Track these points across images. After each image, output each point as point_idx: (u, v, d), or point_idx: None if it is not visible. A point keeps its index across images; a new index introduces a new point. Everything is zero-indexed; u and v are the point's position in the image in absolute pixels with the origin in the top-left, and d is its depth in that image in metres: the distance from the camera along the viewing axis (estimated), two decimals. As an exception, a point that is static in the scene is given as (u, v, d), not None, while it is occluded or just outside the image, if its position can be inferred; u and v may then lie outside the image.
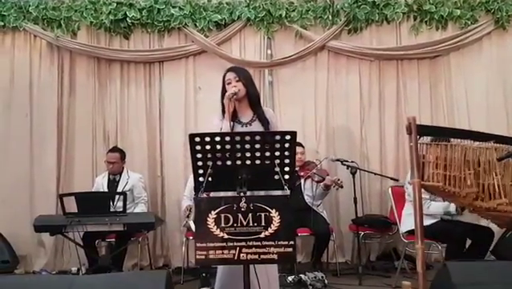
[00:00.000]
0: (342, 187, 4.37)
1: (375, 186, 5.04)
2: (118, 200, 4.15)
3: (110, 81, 5.22)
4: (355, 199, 4.30)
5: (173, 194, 5.11)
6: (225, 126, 2.65)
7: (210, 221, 2.03)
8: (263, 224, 2.02)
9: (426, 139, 2.73)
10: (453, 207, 3.82)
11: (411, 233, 3.92)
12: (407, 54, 5.15)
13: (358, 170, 4.41)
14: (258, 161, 2.09)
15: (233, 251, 2.02)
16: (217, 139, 2.05)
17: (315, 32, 5.13)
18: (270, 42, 5.19)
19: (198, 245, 2.03)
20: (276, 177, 2.08)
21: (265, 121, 2.77)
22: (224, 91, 2.81)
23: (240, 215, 2.03)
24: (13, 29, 5.13)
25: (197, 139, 2.05)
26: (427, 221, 3.72)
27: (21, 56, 5.17)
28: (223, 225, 2.03)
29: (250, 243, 2.02)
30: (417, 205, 2.63)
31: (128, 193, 4.19)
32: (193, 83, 5.22)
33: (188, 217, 4.31)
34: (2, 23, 5.09)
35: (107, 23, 5.04)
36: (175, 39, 5.20)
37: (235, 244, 2.02)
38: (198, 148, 2.06)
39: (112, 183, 4.60)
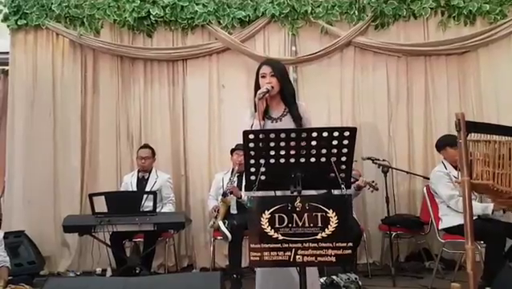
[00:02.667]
0: (377, 189, 4.25)
1: (403, 185, 4.94)
2: (146, 199, 4.09)
3: (133, 80, 5.17)
4: (386, 198, 4.20)
5: (198, 193, 5.05)
6: (256, 125, 2.56)
7: (264, 221, 1.96)
8: (320, 225, 1.94)
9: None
10: (490, 208, 3.70)
11: (448, 232, 3.83)
12: (435, 50, 5.04)
13: (390, 169, 4.29)
14: (312, 159, 2.00)
15: (288, 253, 1.95)
16: (272, 136, 1.96)
17: (341, 28, 5.03)
18: (295, 38, 5.10)
19: (252, 246, 1.95)
20: (332, 175, 2.00)
21: (297, 117, 2.66)
22: (257, 84, 2.71)
23: (295, 215, 1.96)
24: (35, 27, 5.08)
25: (251, 136, 1.97)
26: (463, 220, 3.62)
27: (43, 55, 5.12)
28: (277, 225, 1.96)
29: (307, 245, 1.94)
30: (467, 204, 2.54)
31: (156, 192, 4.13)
32: (217, 81, 5.15)
33: (216, 217, 4.25)
34: (25, 22, 5.04)
35: (131, 21, 4.98)
36: (198, 37, 5.13)
37: (290, 245, 1.95)
38: (251, 145, 1.99)
39: (141, 182, 4.56)
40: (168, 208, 4.47)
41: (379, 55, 5.07)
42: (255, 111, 2.65)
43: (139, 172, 4.62)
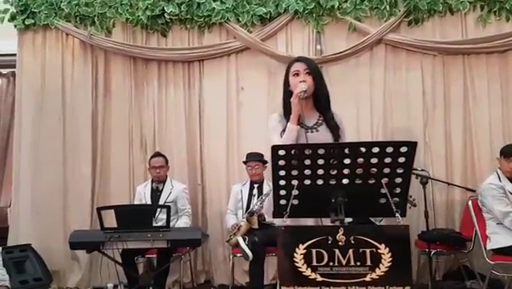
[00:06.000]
0: (415, 206, 3.78)
1: (441, 196, 4.50)
2: (160, 212, 3.75)
3: (147, 82, 4.86)
4: (426, 213, 3.77)
5: (215, 204, 4.71)
6: (291, 130, 2.17)
7: (298, 257, 1.58)
8: (369, 263, 1.55)
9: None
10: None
11: (497, 253, 3.39)
12: (474, 48, 4.59)
13: (429, 180, 3.86)
14: (358, 180, 1.62)
15: (329, 298, 1.56)
16: (307, 152, 1.58)
17: (371, 24, 4.63)
18: (320, 36, 4.72)
19: (283, 289, 1.57)
20: (383, 200, 1.61)
21: (335, 127, 2.31)
22: (287, 83, 2.35)
23: (337, 251, 1.57)
24: (44, 27, 4.82)
25: (282, 152, 1.59)
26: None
27: (52, 56, 4.86)
28: (315, 263, 1.57)
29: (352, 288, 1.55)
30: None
31: (171, 204, 3.79)
32: (236, 83, 4.80)
33: (234, 234, 3.90)
34: (33, 21, 4.79)
35: (144, 20, 4.68)
36: (216, 36, 4.79)
37: (332, 289, 1.56)
38: (282, 163, 1.61)
39: (155, 193, 4.24)
40: (183, 221, 4.13)
41: (412, 54, 4.64)
42: (284, 114, 2.28)
43: (152, 182, 4.29)
